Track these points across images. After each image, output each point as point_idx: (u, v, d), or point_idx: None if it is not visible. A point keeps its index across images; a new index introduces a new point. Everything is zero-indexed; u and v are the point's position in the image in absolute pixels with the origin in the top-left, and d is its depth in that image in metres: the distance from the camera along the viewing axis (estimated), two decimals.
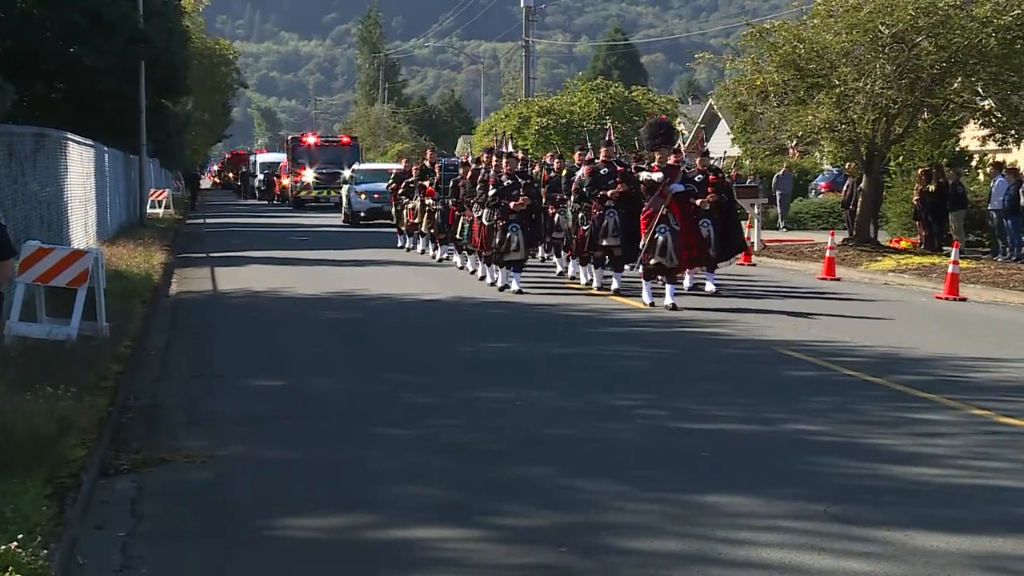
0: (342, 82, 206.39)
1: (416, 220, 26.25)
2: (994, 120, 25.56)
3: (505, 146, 21.40)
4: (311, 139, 55.17)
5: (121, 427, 9.07)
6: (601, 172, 18.13)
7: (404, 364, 12.10)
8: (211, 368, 11.72)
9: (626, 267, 18.63)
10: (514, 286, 18.34)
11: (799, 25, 26.38)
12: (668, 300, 16.08)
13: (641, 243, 16.37)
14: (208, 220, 43.67)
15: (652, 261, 16.25)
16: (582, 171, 18.62)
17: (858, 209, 27.37)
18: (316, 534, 6.58)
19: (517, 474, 7.75)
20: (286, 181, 55.69)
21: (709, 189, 18.29)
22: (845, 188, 29.66)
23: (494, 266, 19.21)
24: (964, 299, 18.00)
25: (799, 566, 5.98)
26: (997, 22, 23.40)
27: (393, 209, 29.48)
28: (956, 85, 25.41)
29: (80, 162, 21.36)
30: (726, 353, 12.77)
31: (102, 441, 8.13)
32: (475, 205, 19.55)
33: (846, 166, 29.63)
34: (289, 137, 60.82)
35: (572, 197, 18.82)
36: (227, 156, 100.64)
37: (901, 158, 29.47)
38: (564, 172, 20.55)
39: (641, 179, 16.81)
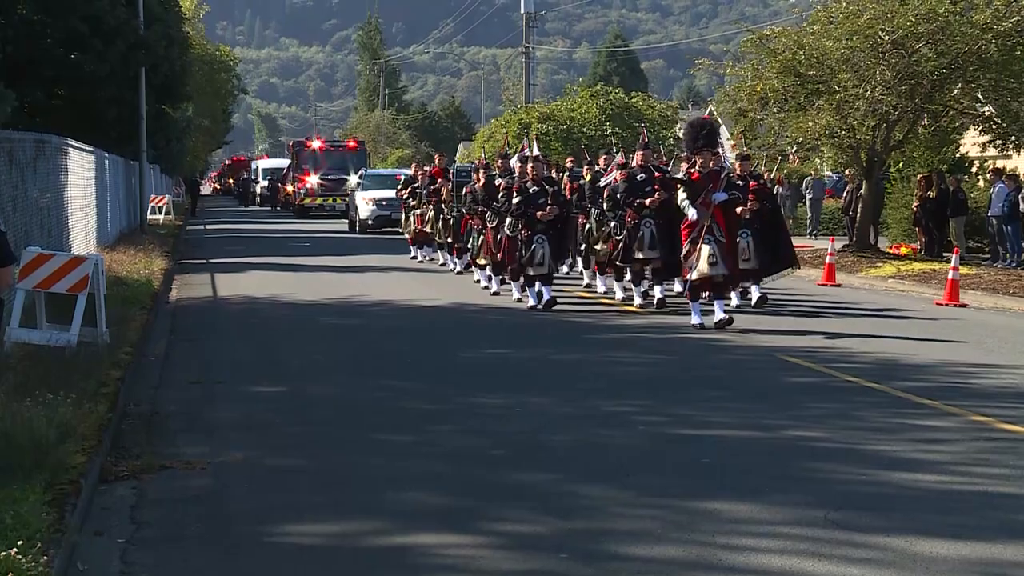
0: (342, 88, 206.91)
1: (427, 228, 24.84)
2: (994, 126, 25.60)
3: (530, 149, 19.49)
4: (316, 143, 53.33)
5: (121, 433, 9.06)
6: (637, 178, 16.63)
7: (404, 370, 12.10)
8: (211, 374, 11.72)
9: (676, 287, 17.43)
10: (536, 301, 16.81)
11: (799, 31, 26.43)
12: (718, 315, 14.60)
13: (683, 257, 14.92)
14: (208, 226, 43.66)
15: (696, 276, 14.65)
16: (616, 176, 17.26)
17: (858, 215, 27.40)
18: (316, 540, 6.57)
19: (517, 480, 7.74)
20: (290, 187, 54.26)
21: (750, 197, 16.66)
22: (845, 194, 29.69)
23: (513, 279, 17.82)
24: (964, 305, 17.99)
25: (799, 572, 5.97)
26: (997, 28, 23.43)
27: (403, 216, 27.75)
28: (956, 91, 25.46)
29: (80, 168, 21.36)
30: (726, 359, 12.76)
31: (102, 447, 8.13)
32: (489, 214, 18.15)
33: (845, 172, 29.64)
34: (293, 142, 59.80)
35: (605, 204, 17.35)
36: (227, 162, 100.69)
37: (901, 164, 29.51)
38: (588, 178, 19.03)
39: (678, 201, 15.14)
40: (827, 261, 21.93)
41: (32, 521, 6.07)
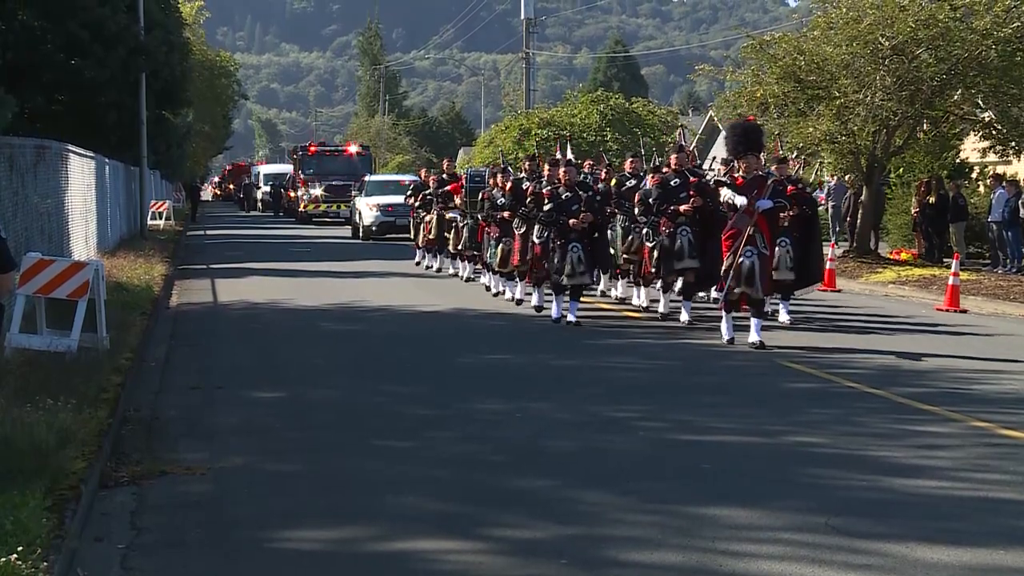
0: (343, 94, 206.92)
1: (432, 236, 23.93)
2: (994, 132, 25.63)
3: (563, 152, 18.31)
4: (319, 149, 52.27)
5: (121, 439, 9.06)
6: (671, 183, 15.65)
7: (404, 375, 12.10)
8: (211, 379, 11.72)
9: (713, 294, 16.21)
10: (559, 314, 15.88)
11: (799, 37, 26.46)
12: (754, 336, 13.69)
13: (723, 268, 13.82)
14: (209, 232, 43.64)
15: (737, 290, 13.67)
16: (647, 181, 16.37)
17: (858, 221, 27.42)
18: (316, 545, 6.57)
19: (517, 485, 7.74)
20: (293, 193, 53.08)
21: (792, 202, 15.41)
22: (845, 200, 29.71)
23: (540, 289, 16.90)
24: (964, 311, 18.00)
25: None
26: (997, 34, 23.46)
27: (411, 223, 26.88)
28: (956, 97, 25.50)
29: (81, 174, 21.37)
30: (727, 365, 12.76)
31: (102, 453, 8.12)
32: (517, 220, 17.28)
33: (846, 178, 29.67)
34: (296, 147, 59.20)
35: (636, 210, 16.39)
36: (228, 168, 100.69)
37: (901, 170, 29.53)
38: (612, 182, 18.00)
39: (722, 199, 14.10)
40: (827, 267, 21.90)
41: (32, 527, 6.07)
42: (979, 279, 21.58)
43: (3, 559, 5.51)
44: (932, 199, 25.83)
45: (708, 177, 16.37)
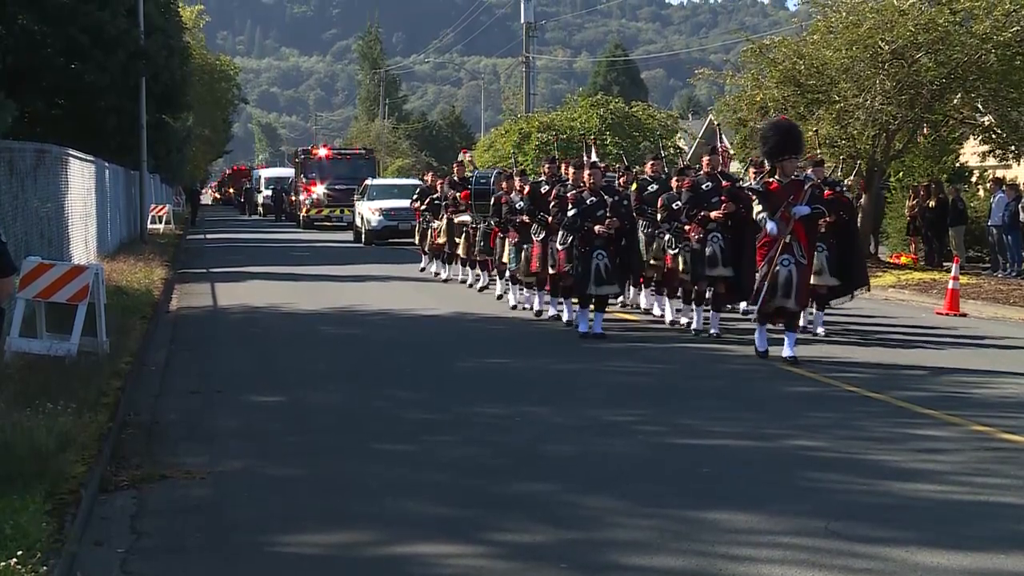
0: (343, 98, 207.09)
1: (441, 242, 23.15)
2: (994, 136, 25.66)
3: (588, 155, 17.42)
4: (323, 152, 51.29)
5: (121, 443, 9.05)
6: (703, 187, 14.88)
7: (404, 379, 12.10)
8: (211, 383, 11.71)
9: (742, 306, 15.93)
10: (586, 328, 15.00)
11: (799, 41, 26.51)
12: (787, 351, 12.91)
13: (757, 279, 13.03)
14: (209, 236, 43.62)
15: (773, 302, 12.92)
16: (673, 183, 15.64)
17: (858, 224, 27.41)
18: (317, 550, 6.56)
19: (517, 490, 7.74)
20: (295, 197, 52.30)
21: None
22: None
23: (564, 296, 16.20)
24: (964, 315, 18.00)
25: None
26: (996, 38, 23.49)
27: (416, 228, 26.13)
28: (956, 101, 25.55)
29: (81, 178, 21.37)
30: (727, 368, 12.75)
31: (102, 457, 8.11)
32: (535, 226, 16.53)
33: (845, 180, 29.64)
34: (299, 150, 58.65)
35: (659, 215, 15.73)
36: (228, 171, 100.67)
37: (901, 174, 29.56)
38: (633, 186, 17.10)
39: (754, 215, 13.28)
40: None
41: (32, 531, 6.06)
42: (979, 283, 21.59)
43: (3, 563, 5.51)
44: (932, 203, 25.85)
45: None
